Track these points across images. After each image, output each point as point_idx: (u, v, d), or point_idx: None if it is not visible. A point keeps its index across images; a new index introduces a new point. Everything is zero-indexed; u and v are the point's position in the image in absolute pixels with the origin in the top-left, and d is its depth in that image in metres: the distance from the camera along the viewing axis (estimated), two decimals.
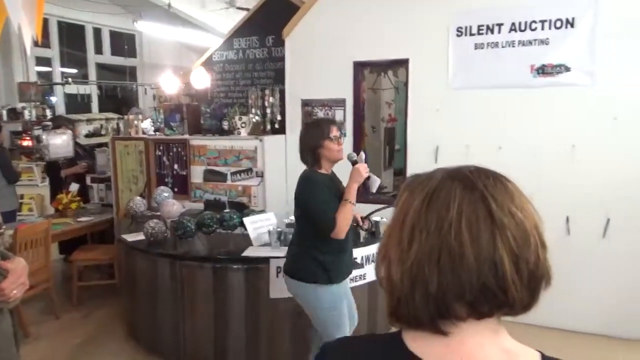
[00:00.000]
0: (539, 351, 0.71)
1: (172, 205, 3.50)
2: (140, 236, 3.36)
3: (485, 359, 0.67)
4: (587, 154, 3.49)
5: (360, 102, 4.27)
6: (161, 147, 4.57)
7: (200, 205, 4.33)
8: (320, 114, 4.31)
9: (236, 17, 7.74)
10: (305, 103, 4.37)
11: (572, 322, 3.65)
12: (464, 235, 0.65)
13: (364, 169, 2.43)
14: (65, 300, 4.20)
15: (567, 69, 3.45)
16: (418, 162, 3.97)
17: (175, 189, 4.41)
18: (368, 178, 2.48)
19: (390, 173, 5.47)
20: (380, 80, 4.91)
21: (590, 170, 3.50)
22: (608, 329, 3.57)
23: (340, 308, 2.51)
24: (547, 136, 3.58)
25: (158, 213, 3.68)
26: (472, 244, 0.65)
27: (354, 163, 2.48)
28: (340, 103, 4.22)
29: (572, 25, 3.41)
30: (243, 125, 4.27)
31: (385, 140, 5.37)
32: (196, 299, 3.10)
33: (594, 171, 3.49)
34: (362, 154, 2.63)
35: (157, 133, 4.75)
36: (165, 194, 3.87)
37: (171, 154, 4.51)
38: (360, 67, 4.19)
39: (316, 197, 2.39)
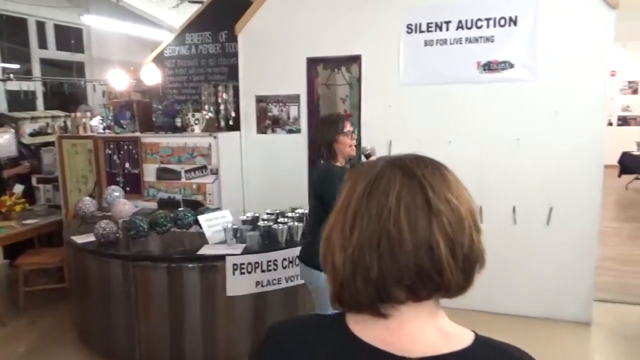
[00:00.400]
0: (473, 331, 0.75)
1: (124, 205, 3.42)
2: (90, 237, 3.27)
3: (423, 339, 0.70)
4: (531, 146, 3.66)
5: (314, 98, 4.29)
6: (111, 146, 4.44)
7: (153, 205, 4.24)
8: (275, 110, 4.30)
9: (189, 11, 7.60)
10: (260, 99, 4.35)
11: (518, 307, 3.83)
12: (402, 222, 0.67)
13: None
14: (10, 306, 4.02)
15: (511, 66, 3.60)
16: (372, 158, 4.04)
17: (127, 189, 4.30)
18: None
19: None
20: (335, 76, 4.94)
21: (534, 162, 3.67)
22: (551, 311, 3.76)
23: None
24: (494, 130, 3.72)
25: (109, 213, 3.58)
26: (409, 229, 0.67)
27: (367, 156, 2.61)
28: (295, 99, 4.23)
29: (515, 24, 3.55)
30: (196, 122, 4.21)
31: None
32: (151, 300, 3.05)
33: (537, 163, 3.66)
34: (375, 148, 2.71)
35: (107, 131, 4.60)
36: (117, 194, 3.77)
37: (122, 152, 4.39)
38: (313, 63, 4.21)
39: (332, 186, 2.50)
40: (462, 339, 0.72)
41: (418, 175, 0.71)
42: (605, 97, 3.52)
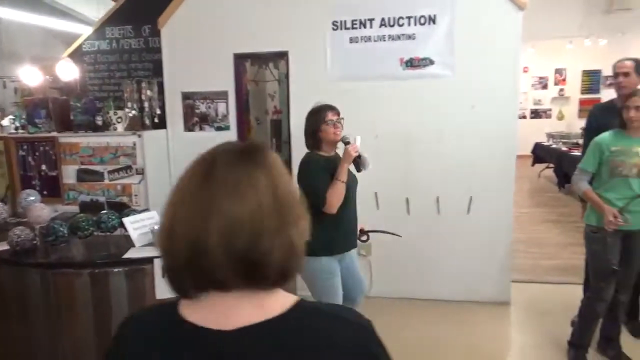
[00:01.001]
0: (301, 299, 0.79)
1: (41, 210, 3.21)
2: (3, 246, 3.04)
3: (239, 314, 0.75)
4: (451, 139, 3.86)
5: (242, 95, 4.25)
6: (25, 147, 4.15)
7: (75, 208, 4.02)
8: (202, 107, 4.22)
9: (109, 4, 7.24)
10: (186, 96, 4.25)
11: (444, 292, 4.03)
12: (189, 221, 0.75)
13: (353, 150, 2.61)
14: None
15: (432, 62, 3.77)
16: (302, 153, 4.06)
17: (45, 192, 4.04)
18: (359, 157, 2.65)
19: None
20: (263, 73, 4.92)
21: (454, 154, 3.87)
22: (474, 294, 4.00)
23: (332, 280, 2.76)
24: (418, 124, 3.89)
25: (25, 219, 3.35)
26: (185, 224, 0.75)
27: (346, 144, 2.67)
28: (223, 95, 4.17)
29: (434, 22, 3.72)
30: (119, 120, 4.03)
31: (272, 132, 5.41)
32: (74, 309, 2.89)
33: (457, 154, 3.87)
34: (358, 137, 2.73)
35: (20, 131, 4.30)
36: (32, 198, 3.53)
37: (37, 153, 4.12)
38: (241, 59, 4.17)
39: (308, 176, 2.65)
40: (279, 306, 0.77)
41: (215, 175, 0.76)
42: (517, 92, 3.78)
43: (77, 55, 4.96)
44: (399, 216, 3.94)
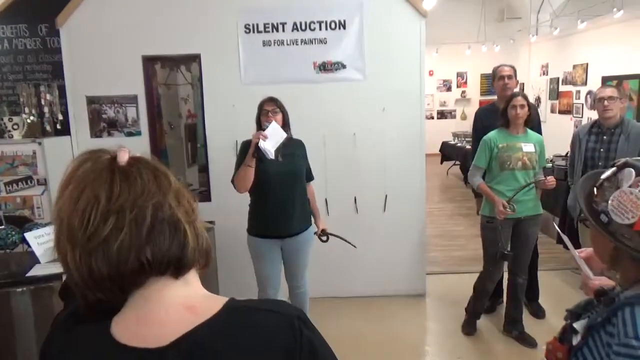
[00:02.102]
0: (231, 299, 0.80)
1: None
2: None
3: (170, 322, 0.74)
4: (365, 140, 4.00)
5: (153, 99, 4.10)
6: None
7: None
8: (110, 111, 4.01)
9: None
10: (92, 100, 4.01)
11: (364, 289, 4.18)
12: None
13: (254, 136, 2.79)
14: None
15: (344, 66, 3.89)
16: (219, 157, 4.02)
17: None
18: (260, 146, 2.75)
19: (195, 170, 5.40)
20: (175, 76, 4.78)
21: (369, 155, 4.03)
22: (392, 288, 4.18)
23: (258, 262, 3.04)
24: (333, 126, 3.99)
25: None
26: None
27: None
28: (132, 100, 3.99)
29: (344, 28, 3.85)
30: (15, 127, 3.72)
31: (186, 136, 5.26)
32: None
33: (371, 155, 4.02)
34: (271, 124, 2.83)
35: None
36: None
37: None
38: (150, 62, 4.02)
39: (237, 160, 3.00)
40: (210, 309, 0.76)
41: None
42: (423, 94, 4.01)
43: None
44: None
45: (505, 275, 3.52)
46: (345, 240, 3.26)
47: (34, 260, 2.85)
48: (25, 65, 4.54)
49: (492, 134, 3.30)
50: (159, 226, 0.74)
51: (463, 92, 12.60)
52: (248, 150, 2.84)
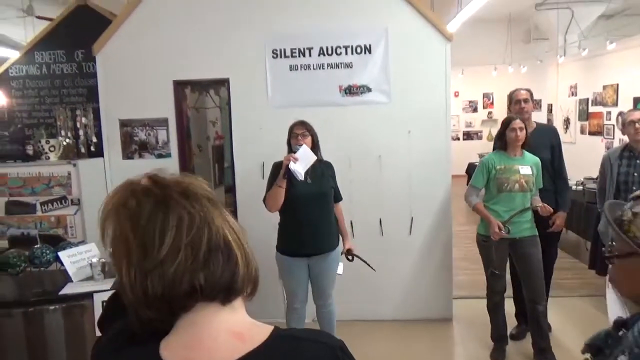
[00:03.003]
0: (275, 327, 0.82)
1: None
2: None
3: (219, 349, 0.76)
4: (390, 162, 4.01)
5: (183, 122, 4.21)
6: None
7: (4, 243, 3.77)
8: (142, 134, 4.13)
9: (37, 27, 6.94)
10: (124, 123, 4.14)
11: (389, 313, 4.13)
12: None
13: (285, 158, 2.92)
14: None
15: (369, 90, 3.93)
16: (245, 179, 4.08)
17: None
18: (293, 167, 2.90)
19: (222, 190, 5.49)
20: (204, 99, 4.91)
21: (394, 177, 4.02)
22: (418, 313, 4.12)
23: (286, 279, 3.13)
24: (359, 148, 4.01)
25: None
26: None
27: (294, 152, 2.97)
28: (163, 123, 4.11)
29: (370, 52, 3.90)
30: (52, 149, 3.87)
31: (214, 158, 5.37)
32: (6, 354, 2.70)
33: (397, 177, 4.02)
34: (302, 147, 2.97)
35: None
36: None
37: None
38: (180, 86, 4.14)
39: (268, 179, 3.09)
40: (257, 337, 0.78)
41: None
42: (448, 116, 4.00)
43: (3, 80, 4.72)
44: None
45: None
46: (367, 263, 3.28)
47: (66, 278, 2.93)
48: (62, 89, 4.73)
49: (490, 156, 3.41)
50: (214, 252, 0.76)
51: (489, 113, 12.50)
52: (279, 171, 2.96)
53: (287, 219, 3.12)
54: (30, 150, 3.90)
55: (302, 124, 3.12)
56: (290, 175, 2.90)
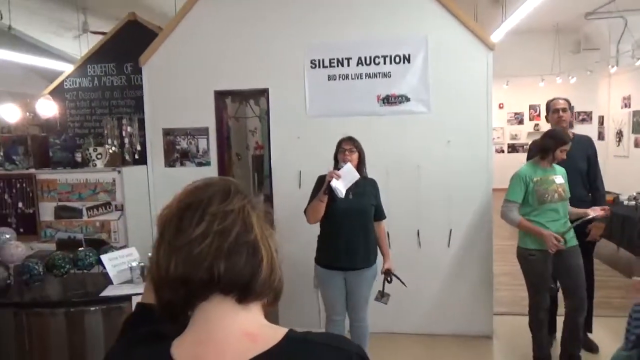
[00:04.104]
0: (290, 330, 0.80)
1: (16, 248, 3.15)
2: None
3: (230, 348, 0.75)
4: (429, 173, 3.93)
5: (223, 131, 4.30)
6: (1, 184, 4.10)
7: (52, 246, 3.95)
8: (183, 143, 4.25)
9: (91, 42, 7.31)
10: (167, 132, 4.27)
11: (426, 326, 4.02)
12: None
13: (329, 174, 2.94)
14: None
15: (408, 99, 3.88)
16: (283, 188, 4.11)
17: (21, 230, 3.97)
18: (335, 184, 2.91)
19: (260, 199, 5.54)
20: (244, 109, 5.00)
21: (433, 188, 3.94)
22: (457, 328, 3.99)
23: (325, 290, 3.16)
24: (396, 158, 3.96)
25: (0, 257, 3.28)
26: None
27: (338, 169, 2.99)
28: (203, 132, 4.21)
29: (408, 61, 3.86)
30: (99, 156, 4.03)
31: (253, 166, 5.44)
32: (48, 351, 2.80)
33: (436, 188, 3.94)
34: (346, 165, 2.98)
35: None
36: (7, 236, 3.45)
37: (14, 190, 4.07)
38: (221, 96, 4.23)
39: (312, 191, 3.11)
40: (270, 339, 0.77)
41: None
42: (489, 127, 3.89)
43: (58, 92, 4.98)
44: None
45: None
46: (401, 281, 3.21)
47: (107, 281, 3.03)
48: (111, 100, 4.94)
49: (524, 169, 3.35)
50: (240, 247, 0.77)
51: (536, 125, 12.09)
52: (322, 184, 2.99)
53: (326, 233, 3.14)
54: (79, 157, 4.08)
55: (351, 140, 3.13)
56: (331, 191, 2.93)
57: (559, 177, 3.28)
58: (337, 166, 3.11)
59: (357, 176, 2.98)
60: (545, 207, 3.21)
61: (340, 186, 2.92)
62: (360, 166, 3.11)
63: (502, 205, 3.41)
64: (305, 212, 3.11)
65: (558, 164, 3.32)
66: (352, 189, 3.01)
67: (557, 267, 3.26)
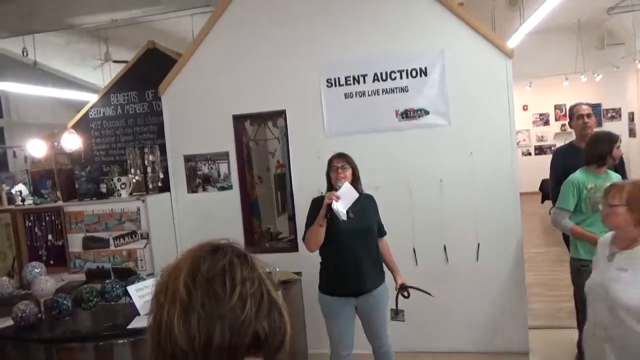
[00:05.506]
0: None
1: (45, 282, 3.20)
2: (8, 322, 3.02)
3: None
4: (452, 186, 3.85)
5: (243, 154, 4.32)
6: (31, 218, 4.20)
7: (81, 277, 4.01)
8: (205, 168, 4.28)
9: (113, 71, 7.50)
10: (188, 159, 4.32)
11: (457, 344, 3.91)
12: None
13: (327, 197, 2.81)
14: None
15: (427, 112, 3.82)
16: (305, 207, 4.04)
17: (51, 261, 4.07)
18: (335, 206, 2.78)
19: (285, 218, 5.54)
20: (263, 131, 5.01)
21: (457, 201, 3.85)
22: (489, 345, 3.87)
23: (331, 321, 2.98)
24: (418, 173, 3.90)
25: (31, 291, 3.35)
26: None
27: (336, 189, 2.87)
28: (224, 156, 4.23)
29: (425, 74, 3.81)
30: (123, 186, 4.09)
31: (276, 185, 5.44)
32: None
33: (460, 201, 3.85)
34: (344, 185, 2.87)
35: (27, 202, 4.36)
36: (37, 270, 3.53)
37: (44, 223, 4.17)
38: (240, 120, 4.26)
39: (308, 216, 3.01)
40: None
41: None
42: (513, 136, 3.79)
43: (83, 122, 5.11)
44: (407, 267, 3.86)
45: None
46: (424, 291, 3.09)
47: (135, 311, 3.04)
48: (134, 127, 5.03)
49: (577, 176, 3.22)
50: (272, 307, 0.81)
51: (563, 125, 11.79)
52: (318, 207, 2.87)
53: (328, 257, 2.99)
54: (104, 188, 4.16)
55: (342, 157, 3.01)
56: (332, 214, 2.80)
57: None
58: (330, 185, 3.00)
59: (356, 195, 2.85)
60: (598, 216, 3.08)
61: (341, 207, 2.79)
62: (355, 183, 2.96)
63: (553, 211, 3.36)
64: (303, 239, 2.99)
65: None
66: (352, 207, 2.87)
67: None
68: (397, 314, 3.08)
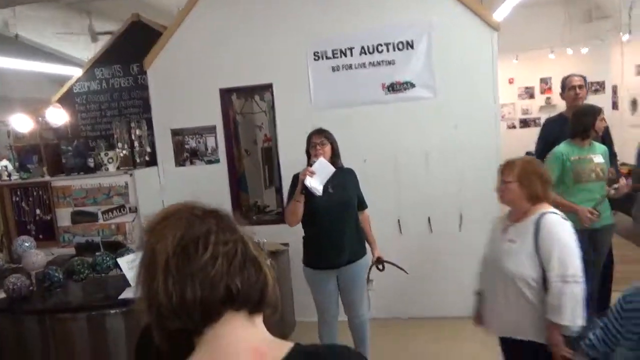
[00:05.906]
0: (296, 344, 0.84)
1: (36, 256, 3.24)
2: (0, 295, 3.07)
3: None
4: (437, 159, 3.92)
5: (231, 128, 4.32)
6: (18, 192, 4.20)
7: (71, 250, 4.05)
8: (192, 142, 4.29)
9: (99, 46, 7.36)
10: (175, 132, 4.32)
11: (444, 309, 4.03)
12: None
13: (302, 173, 2.82)
14: None
15: (413, 85, 3.86)
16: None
17: (40, 236, 4.08)
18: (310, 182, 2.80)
19: (272, 191, 5.58)
20: (250, 105, 5.01)
21: (441, 173, 3.93)
22: (466, 310, 3.98)
23: (315, 293, 3.05)
24: (403, 146, 3.95)
25: (21, 265, 3.38)
26: None
27: (310, 165, 2.89)
28: (211, 130, 4.24)
29: (412, 47, 3.82)
30: (110, 160, 4.10)
31: (263, 159, 5.47)
32: (72, 355, 2.90)
33: (445, 173, 3.92)
34: (319, 160, 2.86)
35: (13, 177, 4.34)
36: (27, 244, 3.56)
37: (31, 198, 4.17)
38: (226, 94, 4.25)
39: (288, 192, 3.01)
40: (277, 353, 0.81)
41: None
42: (497, 108, 3.85)
43: (68, 97, 5.05)
44: (392, 237, 3.97)
45: None
46: (398, 267, 3.18)
47: (125, 283, 3.10)
48: (120, 101, 4.99)
49: (562, 148, 3.29)
50: (247, 264, 0.82)
51: (548, 98, 11.87)
52: (297, 183, 2.88)
53: (310, 232, 3.02)
54: (91, 162, 4.15)
55: (320, 132, 3.01)
56: (307, 191, 2.81)
57: (599, 156, 3.23)
58: (309, 162, 2.98)
59: (332, 170, 2.84)
60: (580, 187, 3.19)
61: (316, 183, 2.79)
62: (334, 158, 2.97)
63: None
64: (283, 215, 3.02)
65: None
66: (331, 182, 2.87)
67: (593, 245, 3.19)
68: (367, 282, 3.15)
